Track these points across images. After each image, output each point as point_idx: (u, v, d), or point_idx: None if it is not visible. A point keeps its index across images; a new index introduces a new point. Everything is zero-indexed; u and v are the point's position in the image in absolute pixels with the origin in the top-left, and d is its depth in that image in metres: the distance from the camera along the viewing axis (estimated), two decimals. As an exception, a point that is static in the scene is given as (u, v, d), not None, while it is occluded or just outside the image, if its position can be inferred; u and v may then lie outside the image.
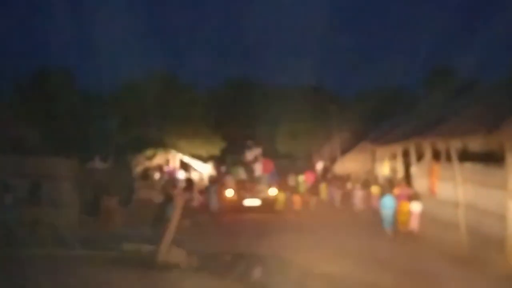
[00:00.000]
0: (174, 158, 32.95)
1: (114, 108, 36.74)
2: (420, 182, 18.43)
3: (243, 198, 24.65)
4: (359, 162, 29.76)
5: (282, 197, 25.40)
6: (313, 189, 27.49)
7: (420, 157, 19.10)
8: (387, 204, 18.16)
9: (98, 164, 28.93)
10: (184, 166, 33.16)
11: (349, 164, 31.26)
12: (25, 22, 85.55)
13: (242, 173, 26.29)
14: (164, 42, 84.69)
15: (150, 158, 34.03)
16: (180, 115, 37.99)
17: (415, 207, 17.50)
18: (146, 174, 32.07)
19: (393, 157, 22.33)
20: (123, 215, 18.51)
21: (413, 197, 18.12)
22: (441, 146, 16.46)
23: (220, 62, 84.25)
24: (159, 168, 33.15)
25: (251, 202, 24.55)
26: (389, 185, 20.61)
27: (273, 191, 25.11)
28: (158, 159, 33.49)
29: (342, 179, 28.73)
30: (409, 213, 17.72)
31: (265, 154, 34.97)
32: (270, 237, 15.96)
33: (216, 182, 27.18)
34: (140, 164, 33.81)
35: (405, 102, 44.10)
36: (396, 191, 19.29)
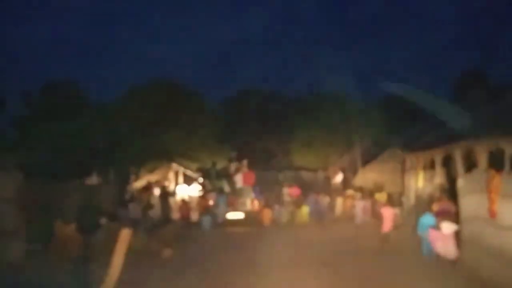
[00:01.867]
0: (176, 172, 28.18)
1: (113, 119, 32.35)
2: (470, 200, 13.16)
3: (226, 212, 23.50)
4: (385, 173, 24.47)
5: (268, 212, 23.35)
6: (298, 203, 24.51)
7: (470, 167, 13.87)
8: (426, 224, 13.85)
9: (94, 180, 24.54)
10: (188, 180, 28.41)
11: (373, 176, 25.77)
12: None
13: (225, 186, 25.45)
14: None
15: (152, 171, 29.37)
16: (186, 124, 33.58)
17: (446, 228, 13.20)
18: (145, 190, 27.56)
19: (429, 166, 17.03)
20: (82, 245, 13.71)
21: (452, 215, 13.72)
22: (507, 149, 11.15)
23: (231, 71, 79.94)
24: (158, 183, 28.45)
25: (234, 215, 23.35)
26: (428, 200, 15.50)
27: (255, 204, 24.02)
28: (160, 173, 28.70)
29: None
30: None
31: (281, 167, 35.38)
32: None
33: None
34: (140, 179, 29.25)
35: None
36: (435, 207, 14.65)
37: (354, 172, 28.80)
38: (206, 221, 20.73)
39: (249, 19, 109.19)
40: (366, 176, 26.22)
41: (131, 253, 14.70)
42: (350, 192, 24.46)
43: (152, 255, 14.72)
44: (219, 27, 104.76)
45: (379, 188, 24.43)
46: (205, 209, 22.56)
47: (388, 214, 17.62)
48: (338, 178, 30.62)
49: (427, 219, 14.06)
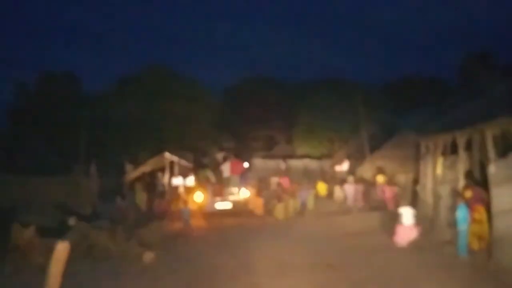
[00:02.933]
0: (170, 162, 25.73)
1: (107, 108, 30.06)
2: (506, 189, 10.65)
3: (214, 202, 22.27)
4: (396, 159, 21.80)
5: (259, 201, 22.09)
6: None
7: (504, 150, 11.33)
8: (463, 216, 11.77)
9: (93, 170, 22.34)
10: (183, 172, 25.91)
11: (381, 163, 23.01)
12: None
13: (211, 176, 24.28)
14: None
15: (145, 162, 26.98)
16: (181, 112, 31.19)
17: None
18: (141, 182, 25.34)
19: (450, 151, 14.43)
20: (44, 251, 11.24)
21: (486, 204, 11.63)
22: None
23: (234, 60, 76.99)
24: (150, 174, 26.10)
25: (222, 205, 22.18)
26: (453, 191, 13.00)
27: (244, 193, 22.75)
28: (153, 164, 26.28)
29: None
30: (485, 222, 11.59)
31: (284, 156, 32.83)
32: None
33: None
34: (133, 170, 26.88)
35: (439, 91, 38.20)
36: (467, 194, 12.36)
37: (362, 159, 26.19)
38: (185, 213, 18.75)
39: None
40: (375, 164, 23.47)
41: (107, 259, 12.47)
42: (350, 179, 22.25)
43: (131, 260, 12.32)
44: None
45: (379, 170, 22.80)
46: (183, 202, 20.41)
47: (389, 193, 19.14)
48: (344, 166, 28.09)
49: (463, 211, 11.76)
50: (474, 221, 11.76)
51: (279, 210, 20.72)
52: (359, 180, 22.32)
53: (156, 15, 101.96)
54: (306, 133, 35.39)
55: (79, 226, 12.92)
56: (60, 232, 12.47)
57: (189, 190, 23.21)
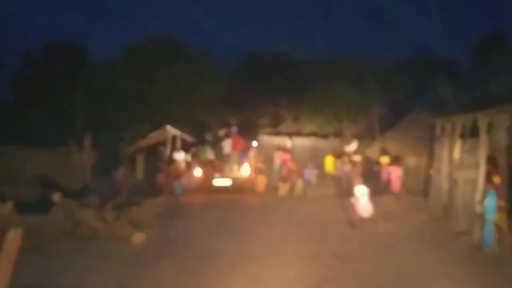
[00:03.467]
0: (173, 136, 24.52)
1: (110, 79, 28.77)
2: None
3: (212, 178, 21.44)
4: (407, 141, 20.37)
5: (262, 179, 20.90)
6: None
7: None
8: (492, 204, 10.63)
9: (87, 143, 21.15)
10: (185, 146, 24.71)
11: (391, 145, 21.51)
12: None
13: (209, 153, 22.86)
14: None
15: (146, 135, 25.77)
16: (186, 86, 29.85)
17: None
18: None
19: (468, 133, 13.04)
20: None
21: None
22: None
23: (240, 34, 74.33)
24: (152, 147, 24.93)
25: (221, 182, 21.37)
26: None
27: (245, 171, 21.83)
28: (154, 138, 25.08)
29: None
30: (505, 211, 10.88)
31: (290, 133, 31.32)
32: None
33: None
34: (134, 143, 25.69)
35: (453, 71, 36.74)
36: (497, 180, 11.14)
37: (372, 139, 24.80)
38: (177, 187, 17.67)
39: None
40: (385, 145, 21.97)
41: (92, 240, 11.32)
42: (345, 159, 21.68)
43: (120, 241, 11.16)
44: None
45: (383, 151, 21.79)
46: (176, 176, 19.76)
47: (395, 174, 18.44)
48: (352, 146, 26.78)
49: (492, 198, 10.59)
50: (499, 209, 10.57)
51: (283, 188, 19.59)
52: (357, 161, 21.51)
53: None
54: (313, 111, 33.95)
55: (64, 203, 11.76)
56: (42, 208, 11.34)
57: (189, 165, 22.20)
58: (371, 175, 19.86)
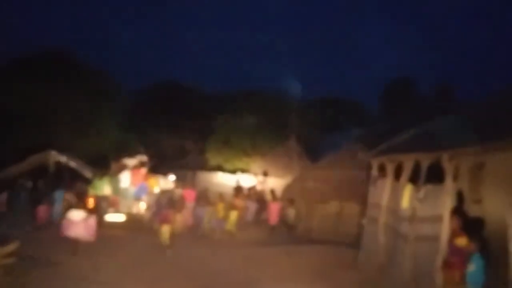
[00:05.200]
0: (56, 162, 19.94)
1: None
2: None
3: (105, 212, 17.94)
4: (330, 182, 16.87)
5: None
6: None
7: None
8: (480, 273, 7.61)
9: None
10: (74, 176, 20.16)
11: (312, 184, 17.84)
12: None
13: (106, 188, 19.01)
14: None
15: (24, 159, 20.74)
16: (81, 106, 25.22)
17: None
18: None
19: (422, 177, 9.92)
20: None
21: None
22: None
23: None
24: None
25: (114, 217, 18.11)
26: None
27: (142, 206, 18.82)
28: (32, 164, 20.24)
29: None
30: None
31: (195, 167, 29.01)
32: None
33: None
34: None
35: (360, 115, 35.39)
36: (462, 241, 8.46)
37: (287, 176, 21.53)
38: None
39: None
40: (303, 184, 18.32)
41: None
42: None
43: None
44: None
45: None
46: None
47: (274, 208, 17.35)
48: (259, 181, 23.62)
49: (479, 263, 7.65)
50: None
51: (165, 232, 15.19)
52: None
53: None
54: (220, 144, 30.59)
55: None
56: None
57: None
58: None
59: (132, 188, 19.36)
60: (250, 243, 16.01)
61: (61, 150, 20.81)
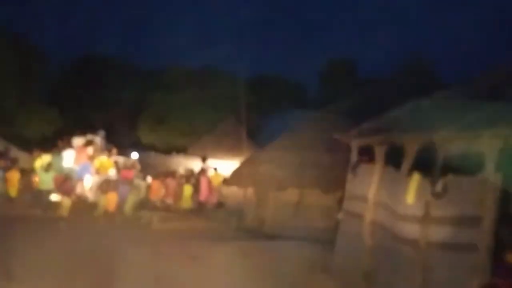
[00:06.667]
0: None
1: None
2: None
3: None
4: (288, 166, 13.89)
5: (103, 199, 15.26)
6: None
7: None
8: None
9: None
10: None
11: (268, 169, 14.78)
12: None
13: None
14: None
15: None
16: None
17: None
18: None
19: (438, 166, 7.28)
20: None
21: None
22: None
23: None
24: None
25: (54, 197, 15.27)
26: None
27: (86, 186, 16.50)
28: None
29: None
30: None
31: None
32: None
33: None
34: None
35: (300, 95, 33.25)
36: None
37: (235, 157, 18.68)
38: None
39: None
40: (256, 168, 15.30)
41: None
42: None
43: None
44: None
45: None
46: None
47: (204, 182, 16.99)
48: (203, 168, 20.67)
49: None
50: None
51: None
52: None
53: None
54: (154, 122, 27.23)
55: None
56: None
57: None
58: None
59: (76, 167, 16.88)
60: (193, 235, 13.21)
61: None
